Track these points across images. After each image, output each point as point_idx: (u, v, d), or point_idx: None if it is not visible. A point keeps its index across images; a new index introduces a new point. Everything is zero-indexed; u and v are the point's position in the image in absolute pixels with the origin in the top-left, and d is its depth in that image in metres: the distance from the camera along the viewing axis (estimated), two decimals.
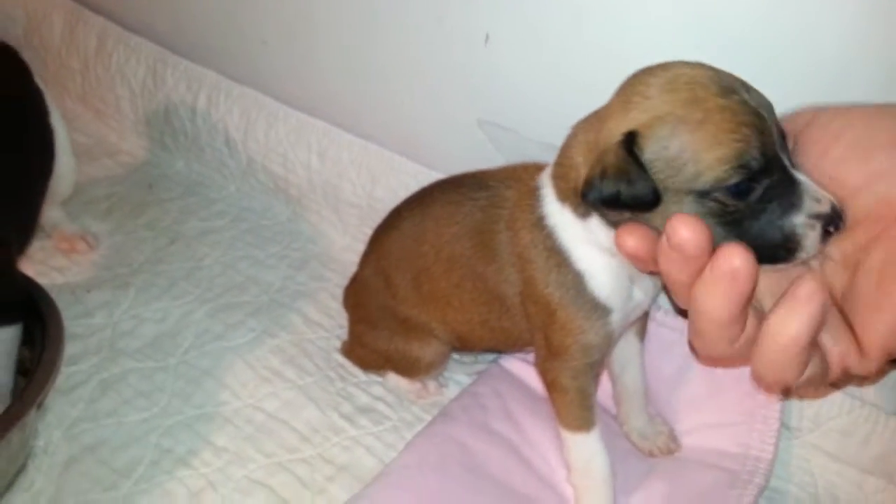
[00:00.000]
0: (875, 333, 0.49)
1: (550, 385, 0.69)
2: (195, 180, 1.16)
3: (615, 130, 0.54)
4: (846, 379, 0.65)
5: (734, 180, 0.50)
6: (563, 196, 0.62)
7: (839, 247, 0.53)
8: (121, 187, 1.14)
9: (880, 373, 0.71)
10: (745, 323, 0.49)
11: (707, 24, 0.68)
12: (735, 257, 0.46)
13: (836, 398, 0.73)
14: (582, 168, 0.58)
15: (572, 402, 0.68)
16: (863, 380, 0.71)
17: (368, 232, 0.86)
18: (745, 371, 0.75)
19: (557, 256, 0.64)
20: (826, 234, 0.51)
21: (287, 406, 0.83)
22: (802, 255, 0.52)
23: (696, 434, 0.76)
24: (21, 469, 0.74)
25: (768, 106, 0.53)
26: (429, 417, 0.81)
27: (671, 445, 0.76)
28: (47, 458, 0.76)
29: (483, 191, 0.71)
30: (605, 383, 0.79)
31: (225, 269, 1.01)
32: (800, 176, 0.52)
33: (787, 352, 0.47)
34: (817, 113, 0.54)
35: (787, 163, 0.52)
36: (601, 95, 0.58)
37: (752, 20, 0.66)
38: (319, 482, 0.75)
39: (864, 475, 0.73)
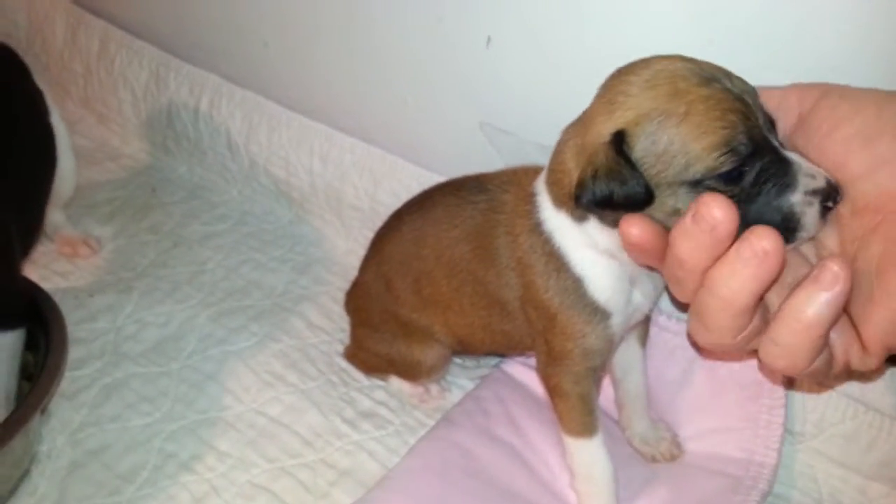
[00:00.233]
0: (875, 327, 0.49)
1: (552, 390, 0.69)
2: (198, 184, 1.16)
3: (602, 131, 0.54)
4: (847, 375, 0.65)
5: (725, 167, 0.51)
6: (559, 201, 0.62)
7: (838, 237, 0.52)
8: (123, 191, 1.14)
9: (880, 370, 0.70)
10: (755, 312, 0.49)
11: (708, 24, 0.67)
12: (765, 239, 0.45)
13: (840, 403, 0.73)
14: (574, 172, 0.57)
15: (574, 408, 0.68)
16: (863, 376, 0.71)
17: (370, 235, 0.86)
18: (748, 376, 0.75)
19: (556, 261, 0.64)
20: (825, 210, 0.51)
21: (290, 410, 0.83)
22: (804, 234, 0.52)
23: (698, 439, 0.76)
24: (25, 474, 0.74)
25: (752, 91, 0.53)
26: (431, 422, 0.81)
27: (674, 451, 0.76)
28: (51, 463, 0.76)
29: (482, 194, 0.71)
30: (607, 388, 0.79)
31: (228, 272, 1.01)
32: (791, 155, 0.52)
33: (805, 335, 0.46)
34: (827, 91, 0.53)
35: (776, 144, 0.52)
36: None
37: (752, 21, 0.66)
38: (322, 487, 0.75)
39: (868, 481, 0.73)
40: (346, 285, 0.92)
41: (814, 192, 0.51)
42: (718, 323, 0.49)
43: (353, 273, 0.90)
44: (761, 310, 0.50)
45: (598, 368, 0.67)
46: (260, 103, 1.08)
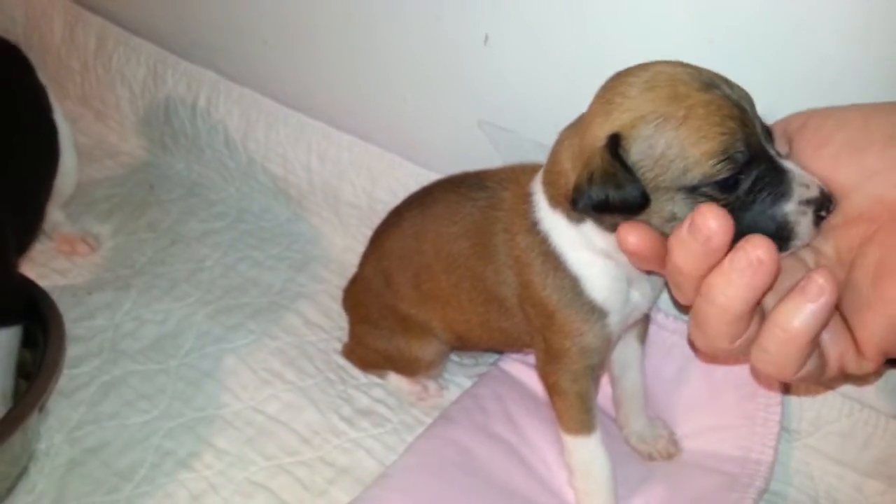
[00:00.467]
0: (871, 333, 0.49)
1: (551, 388, 0.69)
2: (195, 181, 1.16)
3: (599, 134, 0.54)
4: (842, 378, 0.65)
5: (722, 174, 0.50)
6: (555, 202, 0.62)
7: (834, 246, 0.53)
8: (121, 188, 1.14)
9: (877, 374, 0.71)
10: (752, 319, 0.49)
11: (707, 24, 0.67)
12: (759, 248, 0.46)
13: (836, 401, 0.73)
14: (570, 174, 0.57)
15: (572, 406, 0.68)
16: (860, 380, 0.71)
17: (368, 233, 0.86)
18: (744, 374, 0.75)
19: (553, 260, 0.64)
20: (818, 219, 0.51)
21: (287, 408, 0.83)
22: (797, 242, 0.52)
23: (695, 437, 0.76)
24: (23, 472, 0.75)
25: (749, 99, 0.53)
26: (429, 420, 0.81)
27: (671, 449, 0.76)
28: (49, 461, 0.76)
29: (482, 191, 0.71)
30: (605, 386, 0.79)
31: (225, 270, 1.01)
32: (786, 164, 0.52)
33: (791, 344, 0.47)
34: (811, 115, 0.54)
35: (772, 153, 0.52)
36: None
37: (752, 21, 0.66)
38: (320, 484, 0.76)
39: (864, 478, 0.73)
40: (344, 283, 0.92)
41: (808, 202, 0.51)
42: (715, 329, 0.50)
43: (350, 271, 0.90)
44: (758, 316, 0.50)
45: (596, 367, 0.68)
46: (258, 100, 1.08)
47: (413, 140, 0.96)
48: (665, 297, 0.78)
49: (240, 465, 0.77)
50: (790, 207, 0.51)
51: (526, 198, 0.66)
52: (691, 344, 0.75)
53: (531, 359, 0.78)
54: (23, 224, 0.85)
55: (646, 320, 0.75)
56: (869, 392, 0.72)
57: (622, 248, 0.53)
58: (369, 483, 0.73)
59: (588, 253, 0.62)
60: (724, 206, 0.51)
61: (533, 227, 0.65)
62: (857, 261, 0.50)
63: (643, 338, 0.76)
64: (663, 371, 0.79)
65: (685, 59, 0.55)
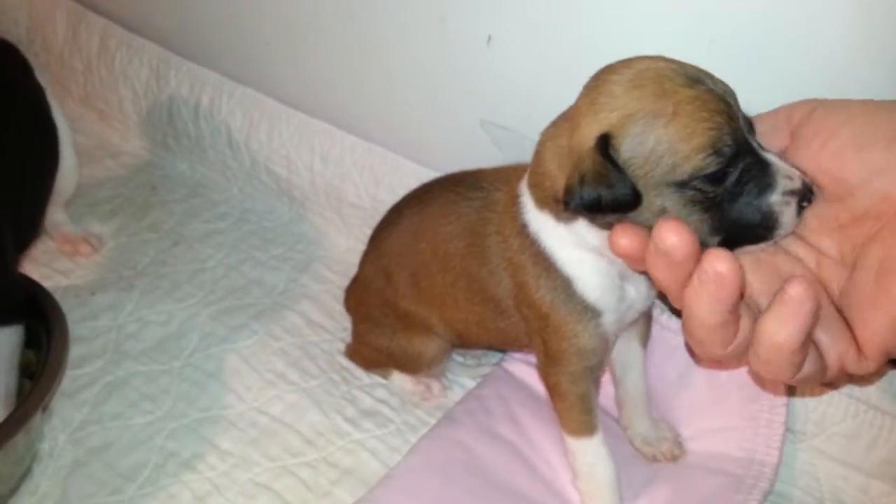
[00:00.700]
0: (873, 332, 0.49)
1: (551, 390, 0.69)
2: (198, 182, 1.16)
3: (588, 134, 0.53)
4: (844, 378, 0.65)
5: (711, 168, 0.51)
6: (542, 203, 0.62)
7: (838, 245, 0.53)
8: (124, 189, 1.14)
9: (878, 373, 0.71)
10: (737, 325, 0.49)
11: (710, 24, 0.67)
12: (719, 261, 0.46)
13: (842, 402, 0.73)
14: (557, 175, 0.57)
15: (573, 408, 0.68)
16: (861, 379, 0.71)
17: (371, 233, 0.86)
18: (748, 376, 0.75)
19: (544, 262, 0.64)
20: (800, 209, 0.53)
21: (291, 409, 0.83)
22: (781, 232, 0.53)
23: (700, 438, 0.76)
24: (26, 473, 0.74)
25: (732, 93, 0.54)
26: (433, 421, 0.81)
27: (675, 451, 0.76)
28: (52, 462, 0.76)
29: (477, 192, 0.71)
30: (608, 387, 0.79)
31: (228, 271, 1.01)
32: (769, 157, 0.53)
33: (781, 352, 0.47)
34: (816, 106, 0.54)
35: (755, 145, 0.53)
36: None
37: (754, 20, 0.66)
38: (324, 486, 0.76)
39: (869, 479, 0.73)
40: (347, 283, 0.92)
41: (791, 193, 0.52)
42: (703, 337, 0.50)
43: (353, 271, 0.90)
44: (751, 319, 0.50)
45: (595, 368, 0.67)
46: (261, 101, 1.08)
47: (416, 140, 0.96)
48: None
49: (244, 466, 0.77)
50: (775, 198, 0.52)
51: (515, 200, 0.65)
52: (690, 350, 0.75)
53: (534, 359, 0.78)
54: (23, 223, 0.85)
55: (647, 320, 0.75)
56: (874, 393, 0.72)
57: (614, 250, 0.53)
58: (373, 484, 0.73)
59: (579, 251, 0.62)
60: (713, 198, 0.52)
61: (523, 230, 0.64)
62: (860, 260, 0.50)
63: (645, 339, 0.76)
64: (667, 372, 0.79)
65: (688, 60, 0.54)
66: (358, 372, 0.88)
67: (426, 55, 0.89)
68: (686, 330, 0.51)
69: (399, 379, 0.86)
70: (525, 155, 0.77)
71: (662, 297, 0.72)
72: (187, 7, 1.12)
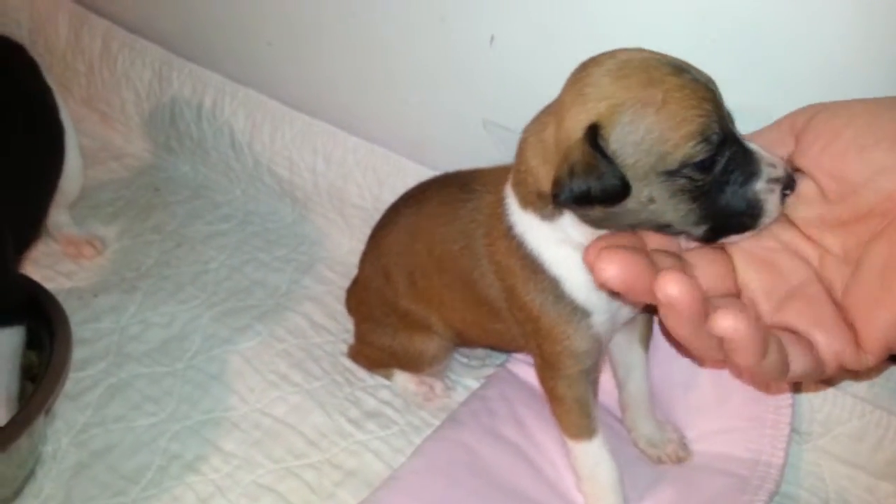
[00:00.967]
0: (876, 329, 0.49)
1: (549, 394, 0.69)
2: (201, 183, 1.16)
3: (575, 126, 0.53)
4: (842, 374, 0.65)
5: (701, 155, 0.51)
6: (525, 202, 0.61)
7: (842, 243, 0.53)
8: (127, 191, 1.14)
9: (878, 369, 0.70)
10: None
11: (713, 22, 0.67)
12: (668, 285, 0.46)
13: (847, 402, 0.73)
14: (540, 170, 0.57)
15: (570, 411, 0.68)
16: (858, 374, 0.71)
17: None
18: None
19: (531, 263, 0.63)
20: (783, 197, 0.53)
21: (294, 411, 0.83)
22: (766, 220, 0.54)
23: (706, 440, 0.76)
24: (30, 475, 0.74)
25: (713, 82, 0.54)
26: (436, 422, 0.81)
27: (680, 453, 0.75)
28: (56, 464, 0.76)
29: (470, 193, 0.71)
30: (613, 388, 0.78)
31: (231, 272, 1.01)
32: (752, 146, 0.54)
33: (749, 371, 0.48)
34: (818, 110, 0.54)
35: (738, 134, 0.54)
36: None
37: (757, 19, 0.65)
38: (328, 487, 0.75)
39: (875, 480, 0.73)
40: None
41: (775, 180, 0.53)
42: (693, 347, 0.50)
43: (356, 272, 0.90)
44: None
45: (591, 370, 0.67)
46: (263, 102, 1.07)
47: (418, 141, 0.96)
48: None
49: (247, 467, 0.77)
50: (760, 186, 0.53)
51: (502, 201, 0.65)
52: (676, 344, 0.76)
53: None
54: (24, 224, 0.85)
55: (648, 322, 0.74)
56: (881, 393, 0.71)
57: (606, 285, 0.50)
58: (377, 485, 0.73)
59: (565, 249, 0.61)
60: (701, 187, 0.52)
61: (509, 231, 0.64)
62: (864, 257, 0.50)
63: (646, 340, 0.75)
64: (672, 374, 0.78)
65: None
66: (361, 373, 0.88)
67: (428, 55, 0.89)
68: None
69: (402, 379, 0.85)
70: None
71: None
72: (190, 9, 1.12)
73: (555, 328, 0.64)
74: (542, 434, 0.77)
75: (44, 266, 0.99)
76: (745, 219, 0.54)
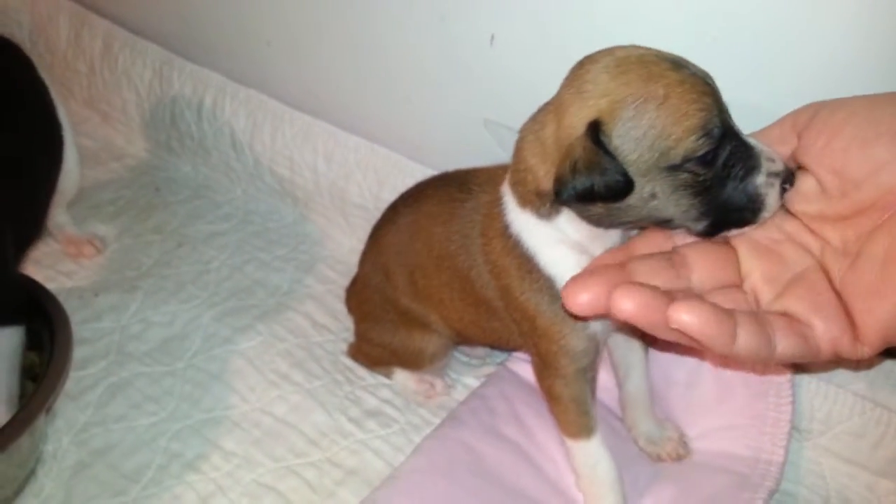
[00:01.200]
0: (876, 320, 0.49)
1: (546, 394, 0.69)
2: (202, 183, 1.16)
3: (577, 123, 0.53)
4: (837, 362, 0.66)
5: (703, 150, 0.51)
6: (524, 201, 0.61)
7: (842, 235, 0.53)
8: (128, 191, 1.14)
9: (872, 360, 0.71)
10: (732, 325, 0.50)
11: (713, 21, 0.67)
12: (621, 301, 0.49)
13: (848, 400, 0.73)
14: (538, 168, 0.57)
15: (568, 410, 0.67)
16: (856, 363, 0.71)
17: None
18: (754, 374, 0.74)
19: (527, 263, 0.63)
20: (782, 191, 0.53)
21: (295, 410, 0.83)
22: (766, 214, 0.54)
23: (706, 438, 0.76)
24: (31, 474, 0.75)
25: (711, 76, 0.54)
26: (437, 420, 0.81)
27: (680, 451, 0.75)
28: (56, 463, 0.76)
29: (466, 193, 0.71)
30: (614, 387, 0.78)
31: (232, 272, 1.01)
32: (751, 140, 0.54)
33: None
34: (819, 107, 0.54)
35: (737, 129, 0.54)
36: None
37: (757, 18, 0.65)
38: (328, 486, 0.75)
39: (876, 478, 0.73)
40: None
41: (775, 175, 0.53)
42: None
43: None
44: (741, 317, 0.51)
45: (588, 369, 0.66)
46: (263, 102, 1.08)
47: (419, 140, 0.96)
48: None
49: (247, 466, 0.77)
50: (760, 180, 0.53)
51: (499, 201, 0.65)
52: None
53: None
54: (24, 222, 0.85)
55: None
56: (881, 391, 0.71)
57: (620, 316, 0.51)
58: (377, 484, 0.73)
59: (561, 249, 0.61)
60: (703, 181, 0.52)
61: (506, 231, 0.64)
62: (864, 248, 0.51)
63: (645, 340, 0.75)
64: (673, 373, 0.78)
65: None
66: (362, 372, 0.88)
67: (429, 55, 0.89)
68: None
69: (402, 377, 0.85)
70: None
71: None
72: (189, 9, 1.12)
73: (551, 327, 0.63)
74: (543, 432, 0.77)
75: (45, 266, 0.99)
76: (745, 213, 0.54)
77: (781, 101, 0.58)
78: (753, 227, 0.54)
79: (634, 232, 0.61)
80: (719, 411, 0.76)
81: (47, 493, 0.73)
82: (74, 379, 0.83)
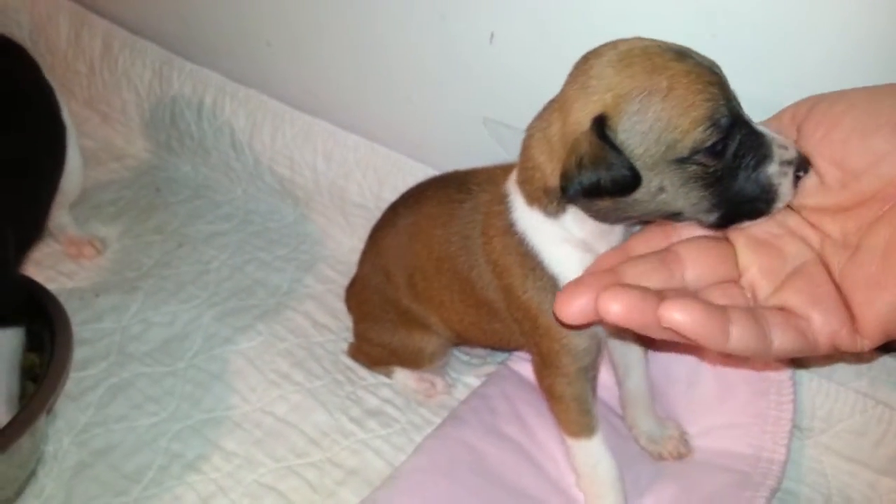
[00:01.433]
0: (876, 312, 0.49)
1: (547, 393, 0.69)
2: (202, 183, 1.16)
3: (582, 117, 0.52)
4: (837, 355, 0.66)
5: (711, 140, 0.50)
6: (531, 199, 0.61)
7: (841, 227, 0.53)
8: (128, 191, 1.14)
9: (873, 353, 0.70)
10: (724, 322, 0.50)
11: (713, 18, 0.67)
12: (608, 303, 0.49)
13: (849, 398, 0.73)
14: (546, 165, 0.56)
15: (569, 409, 0.67)
16: (855, 357, 0.71)
17: None
18: (755, 373, 0.74)
19: (531, 261, 0.62)
20: (796, 179, 0.52)
21: (296, 410, 0.83)
22: (779, 204, 0.53)
23: (707, 436, 0.76)
24: (31, 475, 0.75)
25: (718, 66, 0.53)
26: (437, 420, 0.81)
27: (681, 450, 0.75)
28: (57, 464, 0.76)
29: (465, 194, 0.70)
30: (614, 385, 0.78)
31: (232, 272, 1.01)
32: (762, 128, 0.53)
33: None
34: (819, 99, 0.54)
35: (747, 117, 0.53)
36: None
37: (756, 17, 0.65)
38: (329, 486, 0.75)
39: (877, 475, 0.73)
40: None
41: (788, 163, 0.52)
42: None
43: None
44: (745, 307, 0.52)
45: (589, 368, 0.66)
46: (263, 101, 1.08)
47: (419, 139, 0.96)
48: None
49: (248, 466, 0.77)
50: (773, 169, 0.52)
51: (502, 199, 0.64)
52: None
53: None
54: (25, 223, 0.85)
55: None
56: (882, 389, 0.71)
57: (609, 319, 0.51)
58: (378, 484, 0.73)
59: (567, 247, 0.61)
60: (714, 173, 0.51)
61: (510, 229, 0.63)
62: (864, 240, 0.50)
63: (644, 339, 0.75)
64: (675, 371, 0.78)
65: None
66: (362, 372, 0.88)
67: (429, 54, 0.89)
68: None
69: (402, 377, 0.85)
70: None
71: None
72: (190, 9, 1.12)
73: (553, 326, 0.63)
74: (544, 432, 0.77)
75: (45, 266, 0.99)
76: (758, 204, 0.53)
77: (781, 93, 0.58)
78: (767, 217, 0.53)
79: (637, 228, 0.61)
80: (720, 409, 0.76)
81: (48, 494, 0.73)
82: (75, 379, 0.83)
